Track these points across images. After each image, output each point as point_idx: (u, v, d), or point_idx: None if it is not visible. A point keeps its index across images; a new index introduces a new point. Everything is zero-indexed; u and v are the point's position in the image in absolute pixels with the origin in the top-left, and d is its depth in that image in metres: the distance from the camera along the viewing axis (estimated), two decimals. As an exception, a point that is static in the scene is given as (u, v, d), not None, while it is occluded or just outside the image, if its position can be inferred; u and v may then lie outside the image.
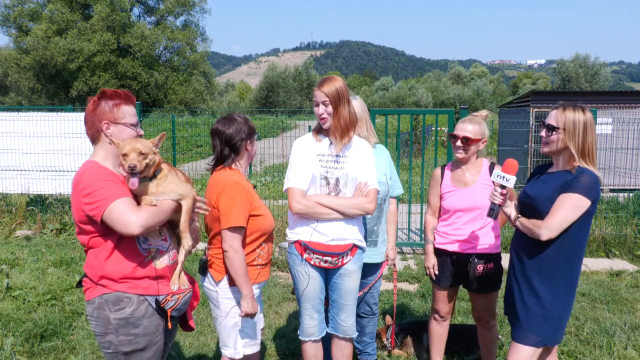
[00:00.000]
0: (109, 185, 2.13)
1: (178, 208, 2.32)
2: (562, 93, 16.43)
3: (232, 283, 2.62)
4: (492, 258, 3.18)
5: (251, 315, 2.60)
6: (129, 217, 2.07)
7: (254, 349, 2.75)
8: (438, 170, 3.35)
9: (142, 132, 2.35)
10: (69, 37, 37.10)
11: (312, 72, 61.95)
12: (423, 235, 3.42)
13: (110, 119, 2.24)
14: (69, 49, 36.75)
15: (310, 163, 2.80)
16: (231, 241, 2.52)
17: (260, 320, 2.83)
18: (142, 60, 40.25)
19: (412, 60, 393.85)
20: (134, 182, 2.17)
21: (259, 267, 2.70)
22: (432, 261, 3.29)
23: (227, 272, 2.61)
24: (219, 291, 2.65)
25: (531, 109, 11.89)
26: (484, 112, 3.29)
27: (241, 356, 2.72)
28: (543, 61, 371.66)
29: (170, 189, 2.28)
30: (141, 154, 2.17)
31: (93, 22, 37.59)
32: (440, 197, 3.28)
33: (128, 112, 2.28)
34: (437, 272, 3.28)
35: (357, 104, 3.23)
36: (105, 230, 2.16)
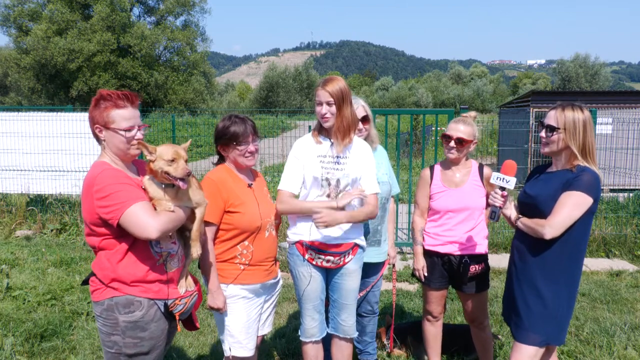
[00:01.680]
0: (126, 188, 2.12)
1: (190, 215, 2.35)
2: (562, 93, 16.43)
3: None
4: (482, 259, 3.19)
5: (215, 310, 2.65)
6: (147, 221, 2.07)
7: (242, 352, 2.73)
8: (427, 171, 3.34)
9: (140, 137, 2.26)
10: (69, 37, 37.08)
11: (312, 72, 61.90)
12: (411, 236, 3.40)
13: (100, 123, 2.19)
14: (69, 49, 36.72)
15: (311, 165, 2.79)
16: None
17: (254, 325, 2.79)
18: (142, 60, 40.23)
19: (412, 60, 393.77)
20: (185, 184, 2.21)
21: (241, 266, 2.69)
22: (421, 263, 3.28)
23: None
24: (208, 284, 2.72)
25: (531, 109, 11.90)
26: (472, 113, 3.33)
27: (228, 354, 2.74)
28: (543, 61, 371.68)
29: (188, 196, 2.30)
30: (185, 160, 2.21)
31: (93, 22, 37.56)
32: (430, 198, 3.27)
33: (118, 117, 2.18)
34: (426, 274, 3.28)
35: (364, 104, 3.30)
36: (120, 232, 2.14)
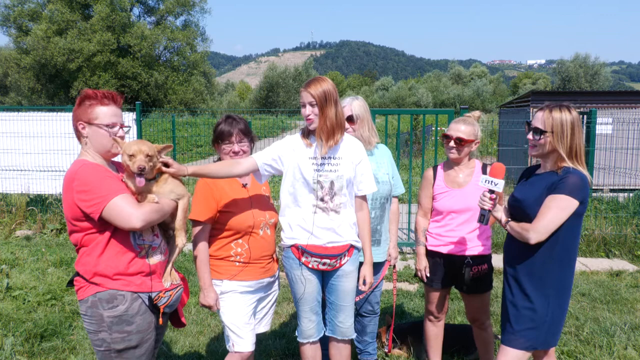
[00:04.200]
0: (106, 182, 2.17)
1: (174, 211, 2.41)
2: (562, 93, 16.43)
3: (212, 277, 2.75)
4: (485, 259, 3.18)
5: (207, 308, 2.70)
6: (131, 212, 2.12)
7: (243, 347, 2.75)
8: (430, 171, 3.32)
9: (122, 134, 2.31)
10: (69, 37, 37.08)
11: (312, 72, 62.03)
12: (414, 237, 3.38)
13: (84, 119, 2.26)
14: (69, 49, 36.73)
15: (303, 166, 2.73)
16: (192, 233, 2.69)
17: (251, 319, 2.81)
18: (142, 60, 40.22)
19: (412, 60, 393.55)
20: (141, 180, 2.24)
21: (237, 264, 2.72)
22: (423, 263, 3.27)
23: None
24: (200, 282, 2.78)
25: (531, 109, 11.90)
26: (476, 113, 3.28)
27: (232, 350, 2.77)
28: (543, 61, 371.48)
29: (169, 189, 2.37)
30: (147, 155, 2.25)
31: (93, 22, 37.57)
32: (433, 198, 3.26)
33: (102, 113, 2.25)
34: (428, 274, 3.27)
35: (359, 104, 3.23)
36: (101, 226, 2.19)
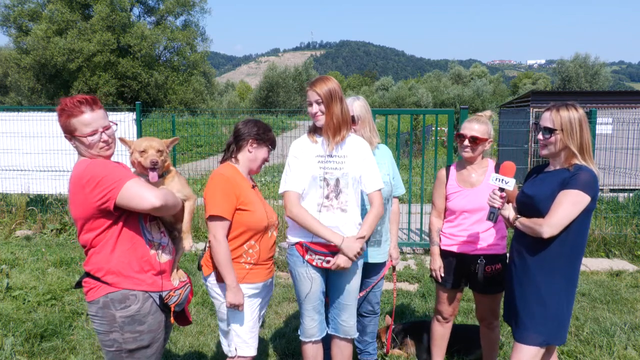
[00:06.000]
0: (116, 170, 2.17)
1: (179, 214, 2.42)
2: (562, 93, 16.43)
3: (219, 279, 2.65)
4: (499, 259, 3.16)
5: (236, 307, 2.61)
6: (146, 192, 2.14)
7: (247, 351, 2.73)
8: (443, 171, 3.33)
9: (105, 138, 2.25)
10: (69, 37, 37.05)
11: (312, 72, 61.89)
12: (428, 237, 3.39)
13: (66, 132, 2.24)
14: (69, 49, 36.69)
15: (309, 164, 2.78)
16: (213, 230, 2.57)
17: (257, 323, 2.80)
18: (142, 60, 40.17)
19: (412, 60, 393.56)
20: (154, 175, 2.28)
21: (247, 265, 2.68)
22: (438, 263, 3.27)
23: (214, 268, 2.65)
24: (209, 286, 2.73)
25: (531, 109, 11.89)
26: (487, 112, 3.28)
27: (234, 354, 2.73)
28: (543, 61, 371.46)
29: (176, 188, 2.38)
30: (158, 150, 2.30)
31: (93, 22, 37.53)
32: (446, 198, 3.26)
33: (79, 124, 2.18)
34: (443, 275, 3.26)
35: (360, 104, 3.23)
36: (115, 220, 2.18)
